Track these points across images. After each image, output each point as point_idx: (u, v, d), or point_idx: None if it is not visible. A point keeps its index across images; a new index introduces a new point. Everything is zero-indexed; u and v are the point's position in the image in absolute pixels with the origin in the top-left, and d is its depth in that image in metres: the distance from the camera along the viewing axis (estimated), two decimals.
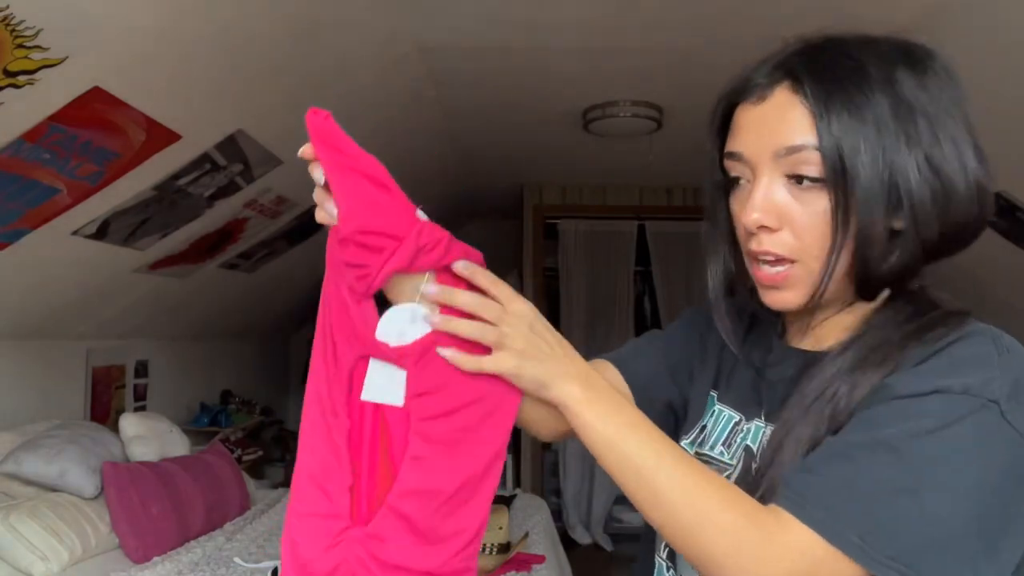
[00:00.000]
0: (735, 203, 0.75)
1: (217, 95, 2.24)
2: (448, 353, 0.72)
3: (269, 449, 4.98)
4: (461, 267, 0.73)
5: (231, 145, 2.52)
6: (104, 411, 3.30)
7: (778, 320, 0.83)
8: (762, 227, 0.71)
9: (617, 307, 5.10)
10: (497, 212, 5.62)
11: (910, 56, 0.71)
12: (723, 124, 0.77)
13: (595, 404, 0.69)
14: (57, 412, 2.93)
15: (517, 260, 5.22)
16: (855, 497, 0.60)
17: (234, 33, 1.96)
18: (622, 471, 0.67)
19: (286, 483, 4.32)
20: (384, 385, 0.75)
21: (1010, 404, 0.61)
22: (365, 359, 0.76)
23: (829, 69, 0.70)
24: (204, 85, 2.13)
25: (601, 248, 5.08)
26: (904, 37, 0.73)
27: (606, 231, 5.07)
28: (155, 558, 2.45)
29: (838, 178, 0.67)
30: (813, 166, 0.68)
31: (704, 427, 0.83)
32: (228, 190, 2.80)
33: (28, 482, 2.46)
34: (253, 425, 4.57)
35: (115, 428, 2.90)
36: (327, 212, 0.73)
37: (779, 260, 0.71)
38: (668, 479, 0.65)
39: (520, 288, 5.16)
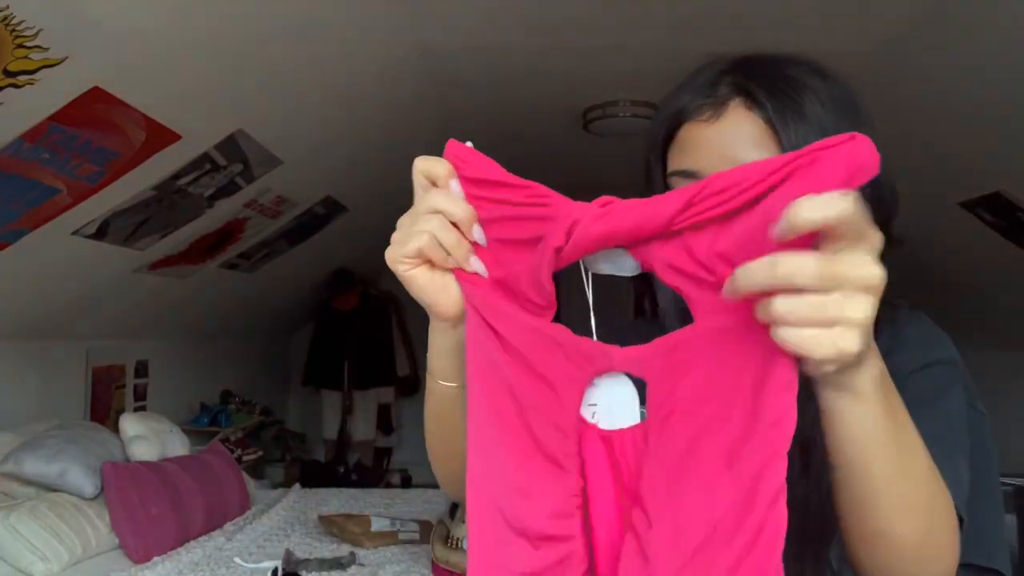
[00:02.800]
0: None
1: (217, 95, 2.24)
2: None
3: (269, 449, 4.98)
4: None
5: (231, 145, 2.52)
6: (104, 411, 3.30)
7: None
8: None
9: (617, 307, 5.09)
10: None
11: (820, 69, 0.73)
12: (665, 143, 0.75)
13: (880, 403, 0.53)
14: (57, 412, 2.93)
15: None
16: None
17: (234, 33, 1.96)
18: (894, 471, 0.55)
19: (286, 483, 4.32)
20: (614, 407, 0.60)
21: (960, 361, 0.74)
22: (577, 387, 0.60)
23: (775, 84, 0.70)
24: (204, 85, 2.13)
25: None
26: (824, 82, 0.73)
27: None
28: (155, 558, 2.45)
29: None
30: None
31: None
32: (228, 190, 2.80)
33: (28, 482, 2.46)
34: (253, 425, 4.57)
35: (115, 428, 2.90)
36: (474, 268, 0.62)
37: None
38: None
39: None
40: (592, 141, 3.53)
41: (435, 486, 3.98)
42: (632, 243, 0.57)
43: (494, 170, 0.62)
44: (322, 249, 4.28)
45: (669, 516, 0.55)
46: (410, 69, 2.67)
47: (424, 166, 0.61)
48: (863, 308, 0.45)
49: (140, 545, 2.45)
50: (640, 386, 0.59)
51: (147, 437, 2.87)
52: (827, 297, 0.45)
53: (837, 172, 0.47)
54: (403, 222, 0.63)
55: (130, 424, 2.88)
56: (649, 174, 0.77)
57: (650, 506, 0.56)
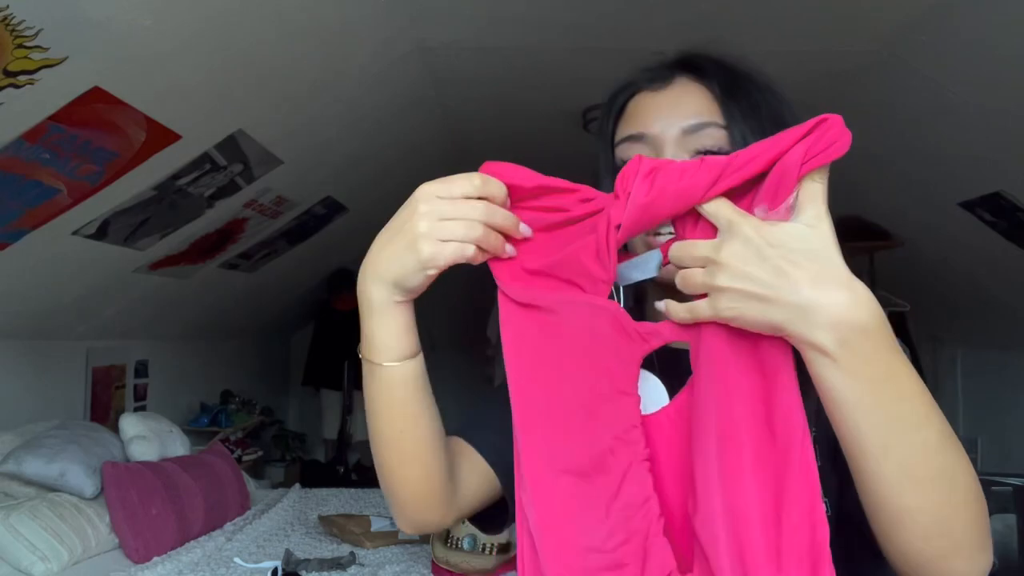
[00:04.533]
0: None
1: (217, 95, 2.23)
2: (661, 305, 0.61)
3: (269, 449, 4.99)
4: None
5: (231, 145, 2.52)
6: (104, 411, 3.30)
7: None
8: None
9: None
10: None
11: (762, 71, 0.77)
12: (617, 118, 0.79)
13: (855, 366, 0.54)
14: (57, 412, 2.93)
15: None
16: None
17: (234, 33, 1.96)
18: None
19: (286, 483, 4.32)
20: (648, 392, 0.65)
21: None
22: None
23: (722, 67, 0.75)
24: (204, 85, 2.13)
25: None
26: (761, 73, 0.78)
27: None
28: (155, 558, 2.45)
29: None
30: (720, 142, 0.71)
31: None
32: (228, 190, 2.80)
33: (28, 482, 2.46)
34: (253, 425, 4.57)
35: (115, 428, 2.90)
36: (507, 251, 0.66)
37: None
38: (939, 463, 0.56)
39: None
40: (592, 141, 3.52)
41: None
42: (674, 215, 0.61)
43: (536, 178, 0.66)
44: (322, 249, 4.28)
45: (716, 497, 0.58)
46: (410, 69, 2.67)
47: (483, 185, 0.64)
48: (719, 278, 0.56)
49: (140, 545, 2.46)
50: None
51: (147, 437, 2.87)
52: (702, 271, 0.57)
53: (818, 149, 0.55)
54: (439, 209, 0.63)
55: (130, 424, 2.88)
56: (601, 140, 0.81)
57: (699, 487, 0.59)
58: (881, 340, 0.54)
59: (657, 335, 0.64)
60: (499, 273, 0.67)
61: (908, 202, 3.24)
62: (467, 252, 0.63)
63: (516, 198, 0.66)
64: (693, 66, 0.75)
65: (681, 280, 0.59)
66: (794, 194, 0.55)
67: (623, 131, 0.77)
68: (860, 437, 0.55)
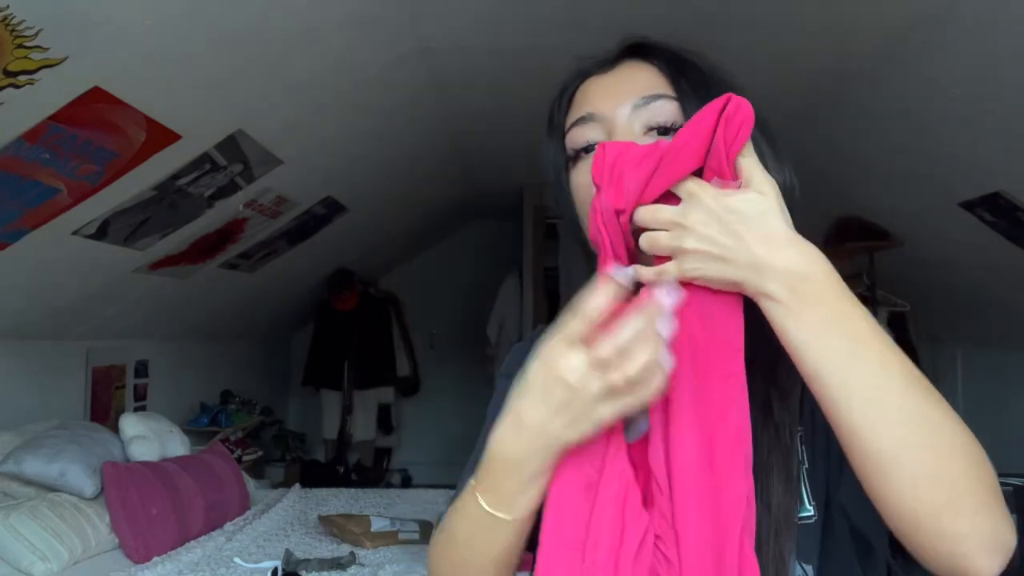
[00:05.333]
0: (582, 172, 0.74)
1: (217, 95, 2.24)
2: (629, 270, 0.63)
3: (269, 449, 4.99)
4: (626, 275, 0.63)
5: (231, 145, 2.52)
6: (104, 411, 3.30)
7: None
8: None
9: None
10: (497, 212, 5.62)
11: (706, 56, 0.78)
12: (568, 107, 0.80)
13: (803, 310, 0.58)
14: (57, 412, 2.93)
15: (517, 260, 5.22)
16: None
17: (234, 33, 1.96)
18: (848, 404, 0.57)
19: (286, 483, 4.32)
20: None
21: None
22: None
23: (667, 48, 0.77)
24: (204, 85, 2.13)
25: None
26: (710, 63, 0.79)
27: None
28: (155, 558, 2.45)
29: None
30: (671, 115, 0.71)
31: None
32: (228, 190, 2.80)
33: (28, 482, 2.46)
34: (253, 425, 4.57)
35: (115, 428, 2.90)
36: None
37: None
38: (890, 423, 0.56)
39: (520, 288, 5.17)
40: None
41: (435, 486, 3.98)
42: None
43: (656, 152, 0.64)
44: (322, 249, 4.29)
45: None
46: (410, 69, 2.67)
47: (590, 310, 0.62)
48: (685, 241, 0.60)
49: (140, 545, 2.46)
50: None
51: (147, 437, 2.87)
52: (667, 234, 0.61)
53: (732, 135, 0.60)
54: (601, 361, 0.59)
55: (130, 424, 2.88)
56: (553, 127, 0.81)
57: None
58: (828, 286, 0.59)
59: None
60: None
61: (908, 202, 3.24)
62: (649, 396, 0.60)
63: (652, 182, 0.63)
64: (638, 49, 0.77)
65: (648, 242, 0.62)
66: (736, 169, 0.61)
67: (572, 116, 0.77)
68: (823, 382, 0.58)
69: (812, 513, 0.66)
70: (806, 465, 0.68)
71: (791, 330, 0.58)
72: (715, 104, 0.60)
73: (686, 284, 0.63)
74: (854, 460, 0.58)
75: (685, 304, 0.62)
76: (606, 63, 0.78)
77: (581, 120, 0.74)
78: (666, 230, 0.61)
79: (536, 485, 0.64)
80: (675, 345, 0.61)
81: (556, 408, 0.60)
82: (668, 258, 0.62)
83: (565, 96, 0.80)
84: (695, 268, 0.61)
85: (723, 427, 0.61)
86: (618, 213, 0.63)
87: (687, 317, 0.62)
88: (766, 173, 0.61)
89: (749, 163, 0.61)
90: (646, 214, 0.62)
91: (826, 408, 0.58)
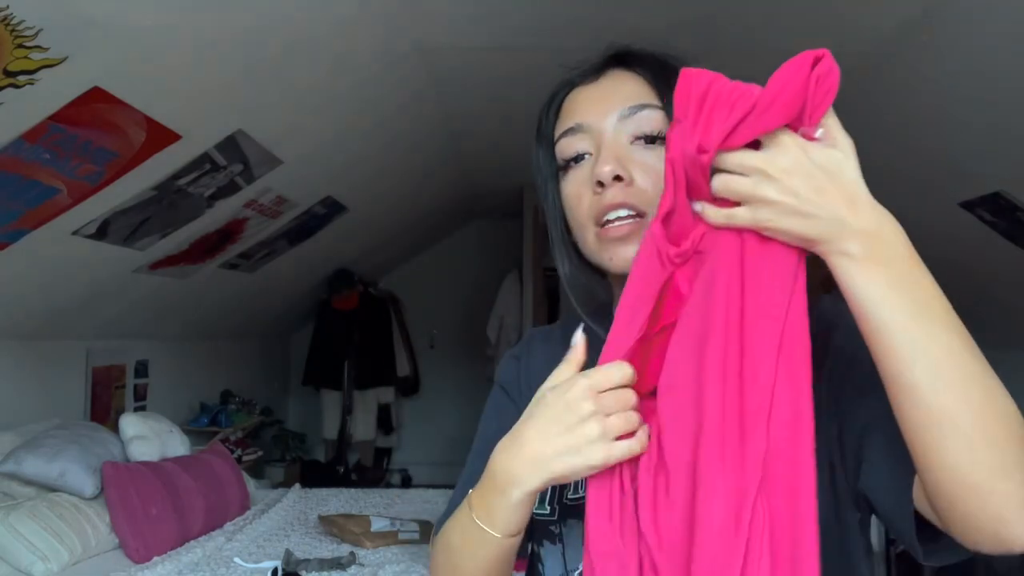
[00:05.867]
0: (572, 183, 0.77)
1: (217, 95, 2.24)
2: (698, 206, 0.63)
3: (269, 449, 4.99)
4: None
5: (231, 145, 2.52)
6: (104, 411, 3.31)
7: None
8: (616, 178, 0.72)
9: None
10: (497, 212, 5.62)
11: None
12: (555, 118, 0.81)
13: (876, 268, 0.59)
14: (57, 412, 2.94)
15: (517, 260, 5.22)
16: None
17: (234, 33, 1.96)
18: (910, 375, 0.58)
19: (286, 483, 4.32)
20: None
21: None
22: None
23: (651, 56, 0.78)
24: (204, 85, 2.13)
25: None
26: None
27: None
28: (155, 558, 2.45)
29: None
30: (658, 125, 0.73)
31: None
32: (228, 190, 2.80)
33: (28, 482, 2.46)
34: (253, 425, 4.57)
35: (115, 428, 2.90)
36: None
37: (630, 213, 0.73)
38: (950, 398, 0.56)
39: (520, 288, 5.17)
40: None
41: (435, 486, 3.98)
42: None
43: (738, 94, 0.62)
44: (322, 249, 4.29)
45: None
46: (410, 69, 2.67)
47: (632, 373, 0.64)
48: (767, 190, 0.59)
49: (140, 545, 2.46)
50: None
51: (147, 437, 2.87)
52: (749, 180, 0.60)
53: (822, 93, 0.60)
54: (604, 405, 0.64)
55: (130, 424, 2.88)
56: (541, 139, 0.83)
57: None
58: (900, 248, 0.60)
59: (681, 254, 0.65)
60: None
61: (908, 202, 3.23)
62: (636, 449, 0.63)
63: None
64: (623, 58, 0.78)
65: (723, 184, 0.61)
66: (821, 127, 0.61)
67: (561, 127, 0.78)
68: (889, 339, 0.58)
69: None
70: None
71: (862, 286, 0.58)
72: (805, 59, 0.59)
73: (736, 234, 0.62)
74: (910, 421, 0.58)
75: (733, 258, 0.62)
76: (591, 73, 0.79)
77: (570, 131, 0.76)
78: (744, 175, 0.60)
79: (525, 507, 0.67)
80: (716, 300, 0.61)
81: (557, 430, 0.63)
82: (732, 203, 0.61)
83: (553, 106, 0.81)
84: (769, 219, 0.60)
85: (753, 386, 0.61)
86: (700, 152, 0.61)
87: (732, 269, 0.62)
88: (846, 133, 0.61)
89: (832, 122, 0.61)
90: (732, 159, 0.60)
91: (888, 366, 0.59)
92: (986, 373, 0.58)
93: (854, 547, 0.72)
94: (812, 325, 0.65)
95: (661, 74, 0.74)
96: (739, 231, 0.62)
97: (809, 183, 0.59)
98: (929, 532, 0.62)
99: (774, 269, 0.61)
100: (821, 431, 0.65)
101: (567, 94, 0.80)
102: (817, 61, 0.59)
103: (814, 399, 0.62)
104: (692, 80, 0.61)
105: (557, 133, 0.78)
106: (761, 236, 0.61)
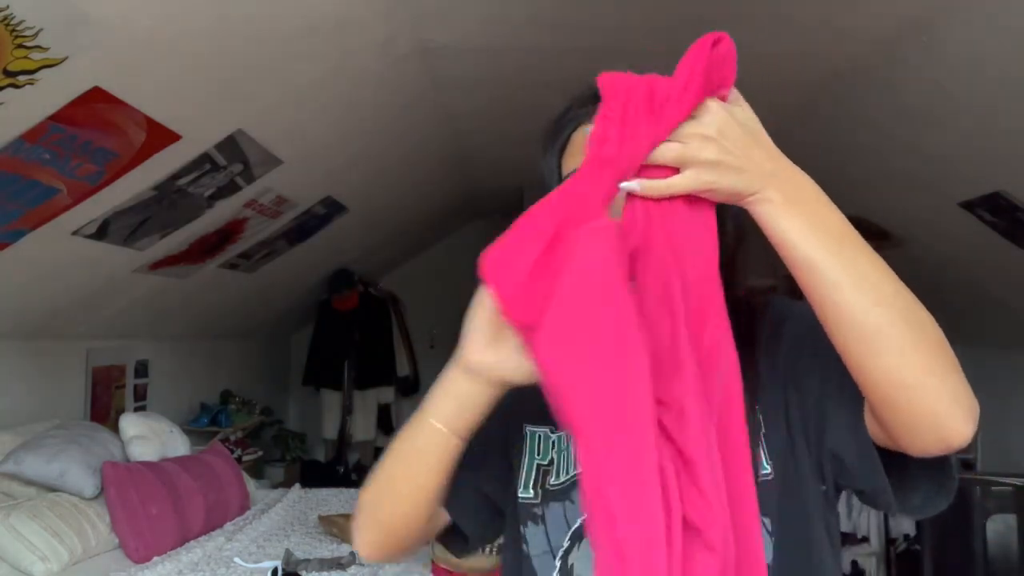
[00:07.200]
0: None
1: (217, 95, 2.24)
2: (633, 184, 0.65)
3: (269, 449, 4.99)
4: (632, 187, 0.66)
5: (231, 145, 2.52)
6: (104, 411, 3.30)
7: None
8: None
9: None
10: (497, 212, 5.61)
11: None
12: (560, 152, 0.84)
13: (798, 211, 0.64)
14: (57, 412, 2.94)
15: None
16: None
17: (234, 33, 1.96)
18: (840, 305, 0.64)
19: (286, 483, 4.32)
20: None
21: None
22: None
23: None
24: (204, 85, 2.13)
25: None
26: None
27: None
28: (155, 558, 2.45)
29: None
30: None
31: (538, 463, 0.85)
32: (228, 190, 2.80)
33: (28, 482, 2.46)
34: (253, 425, 4.58)
35: (115, 428, 2.90)
36: None
37: None
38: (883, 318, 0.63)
39: None
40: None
41: None
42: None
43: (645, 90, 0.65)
44: (322, 249, 4.28)
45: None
46: (410, 69, 2.67)
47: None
48: (708, 152, 0.63)
49: (140, 545, 2.46)
50: None
51: (147, 437, 2.87)
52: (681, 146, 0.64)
53: (721, 76, 0.66)
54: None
55: (130, 424, 2.88)
56: (546, 174, 0.87)
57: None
58: (813, 191, 0.66)
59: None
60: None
61: (908, 202, 3.24)
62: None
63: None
64: None
65: (674, 153, 0.64)
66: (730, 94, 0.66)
67: (568, 165, 0.82)
68: (817, 269, 0.64)
69: (769, 471, 0.75)
70: (764, 430, 0.76)
71: (786, 228, 0.64)
72: (706, 41, 0.64)
73: (666, 204, 0.65)
74: (845, 340, 0.65)
75: (672, 227, 0.65)
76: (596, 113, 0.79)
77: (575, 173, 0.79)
78: (683, 142, 0.64)
79: (473, 404, 0.73)
80: (665, 278, 0.64)
81: (479, 335, 0.72)
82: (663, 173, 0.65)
83: (560, 139, 0.84)
84: (713, 180, 0.64)
85: (720, 370, 0.65)
86: (633, 153, 0.64)
87: (674, 243, 0.65)
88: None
89: (734, 92, 0.67)
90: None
91: (818, 294, 0.64)
92: (903, 289, 0.65)
93: (817, 517, 0.77)
94: (767, 320, 0.78)
95: None
96: (659, 204, 0.65)
97: (740, 141, 0.64)
98: (899, 482, 0.71)
99: (703, 234, 0.66)
100: (777, 406, 0.76)
101: (573, 131, 0.83)
102: (717, 43, 0.64)
103: (771, 378, 0.75)
104: (613, 85, 0.66)
105: (564, 171, 0.82)
106: (686, 203, 0.65)
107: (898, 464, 0.70)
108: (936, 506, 0.73)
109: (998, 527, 2.72)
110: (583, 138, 0.78)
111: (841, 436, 0.72)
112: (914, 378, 0.63)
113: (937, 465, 0.71)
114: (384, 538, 0.81)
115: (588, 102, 0.81)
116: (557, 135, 0.85)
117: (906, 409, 0.64)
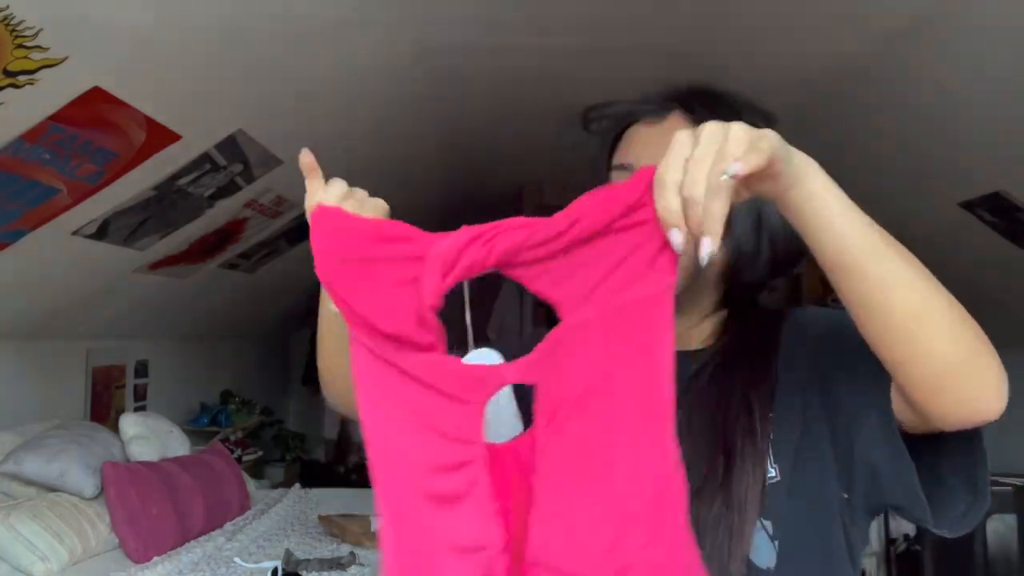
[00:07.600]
0: None
1: (217, 95, 2.24)
2: (678, 239, 0.59)
3: (269, 449, 4.99)
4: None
5: (231, 145, 2.52)
6: (104, 411, 3.30)
7: None
8: None
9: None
10: (497, 212, 5.59)
11: (767, 116, 0.80)
12: (614, 144, 0.85)
13: (836, 201, 0.62)
14: (57, 412, 2.93)
15: None
16: None
17: (234, 33, 1.96)
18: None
19: (286, 483, 4.32)
20: (493, 423, 0.65)
21: None
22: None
23: (715, 107, 0.78)
24: (204, 85, 2.13)
25: None
26: (756, 100, 0.82)
27: None
28: (155, 558, 2.45)
29: None
30: None
31: None
32: (228, 190, 2.80)
33: (28, 482, 2.46)
34: (253, 425, 4.57)
35: (115, 428, 2.90)
36: None
37: None
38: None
39: (520, 288, 5.16)
40: (592, 141, 3.52)
41: None
42: (503, 266, 0.64)
43: (361, 230, 0.67)
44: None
45: (568, 514, 0.59)
46: (410, 69, 2.67)
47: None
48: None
49: (140, 545, 2.46)
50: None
51: (147, 437, 2.87)
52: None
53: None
54: None
55: (130, 424, 2.88)
56: (596, 166, 0.87)
57: (544, 508, 0.60)
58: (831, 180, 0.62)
59: (498, 376, 0.64)
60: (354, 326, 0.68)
61: (908, 202, 3.24)
62: None
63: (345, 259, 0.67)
64: (687, 101, 0.80)
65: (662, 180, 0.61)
66: None
67: (617, 158, 0.83)
68: (856, 255, 0.61)
69: (775, 475, 0.74)
70: (772, 436, 0.75)
71: (836, 213, 0.61)
72: (634, 189, 0.61)
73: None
74: (884, 325, 0.62)
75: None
76: (654, 112, 0.81)
77: (621, 168, 0.81)
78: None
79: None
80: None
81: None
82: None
83: (611, 131, 0.85)
84: (763, 151, 0.58)
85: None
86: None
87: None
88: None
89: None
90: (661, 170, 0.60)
91: (859, 281, 0.61)
92: (933, 276, 0.63)
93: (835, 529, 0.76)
94: (790, 325, 0.77)
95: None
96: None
97: (750, 133, 0.59)
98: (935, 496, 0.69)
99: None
100: (794, 408, 0.75)
101: (628, 126, 0.84)
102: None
103: (789, 381, 0.76)
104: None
105: (614, 162, 0.83)
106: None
107: (933, 480, 0.70)
108: (970, 522, 0.73)
109: (998, 527, 2.72)
110: (632, 137, 0.82)
111: (873, 439, 0.70)
112: (964, 357, 0.61)
113: (971, 479, 0.72)
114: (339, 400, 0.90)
115: (649, 101, 0.83)
116: (610, 128, 0.86)
117: (953, 388, 0.62)
